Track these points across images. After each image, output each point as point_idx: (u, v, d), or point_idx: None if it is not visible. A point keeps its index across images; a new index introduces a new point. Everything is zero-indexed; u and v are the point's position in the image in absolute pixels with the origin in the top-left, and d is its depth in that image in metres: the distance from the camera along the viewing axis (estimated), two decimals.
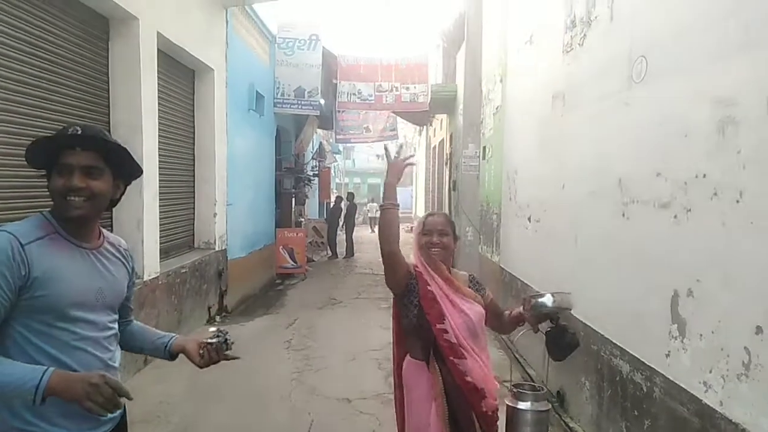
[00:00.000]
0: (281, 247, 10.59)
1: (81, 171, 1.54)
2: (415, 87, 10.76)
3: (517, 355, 5.54)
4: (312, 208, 17.78)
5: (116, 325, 1.74)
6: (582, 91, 3.98)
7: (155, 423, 3.85)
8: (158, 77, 5.39)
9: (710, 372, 2.35)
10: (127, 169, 1.68)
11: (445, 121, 13.73)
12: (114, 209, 4.97)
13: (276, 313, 7.68)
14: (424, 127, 18.82)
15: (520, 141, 5.94)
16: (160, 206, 5.46)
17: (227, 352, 1.78)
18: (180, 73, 6.50)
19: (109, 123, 4.87)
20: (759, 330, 2.05)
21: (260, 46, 9.53)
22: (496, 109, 7.11)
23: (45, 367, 1.43)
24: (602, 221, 3.54)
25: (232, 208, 7.73)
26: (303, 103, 10.51)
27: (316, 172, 15.65)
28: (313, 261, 13.27)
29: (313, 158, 15.67)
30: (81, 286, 1.59)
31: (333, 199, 18.63)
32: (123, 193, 1.71)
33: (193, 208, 7.00)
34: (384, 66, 10.87)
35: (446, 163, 13.63)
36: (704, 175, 2.41)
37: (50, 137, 1.58)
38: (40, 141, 1.58)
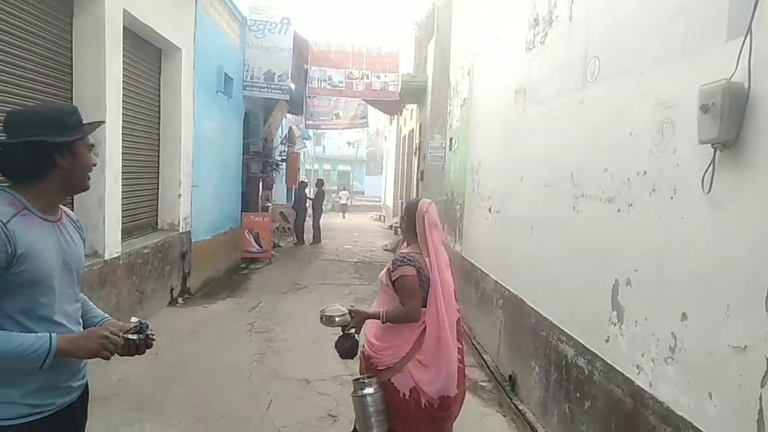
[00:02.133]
0: (247, 231, 10.55)
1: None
2: (386, 76, 10.83)
3: (474, 342, 5.73)
4: (280, 194, 17.69)
5: (79, 300, 1.80)
6: (542, 88, 4.13)
7: (113, 400, 3.87)
8: (123, 55, 5.32)
9: (642, 356, 2.53)
10: None
11: (416, 111, 13.84)
12: None
13: (240, 297, 7.70)
14: (395, 116, 18.88)
15: (485, 133, 6.09)
16: (123, 185, 5.41)
17: (145, 347, 1.74)
18: (146, 52, 6.40)
19: (71, 99, 4.79)
20: (684, 317, 2.23)
21: (230, 27, 9.41)
22: (464, 101, 7.24)
23: (49, 333, 1.55)
24: (555, 213, 3.71)
25: (198, 190, 7.67)
26: (273, 86, 10.45)
27: (284, 157, 15.57)
28: (279, 246, 13.25)
29: (281, 143, 15.57)
30: (55, 259, 1.64)
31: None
32: None
33: (157, 189, 6.94)
34: (355, 53, 10.88)
35: (415, 153, 13.77)
36: (645, 172, 2.58)
37: (69, 107, 1.79)
38: (61, 110, 1.74)
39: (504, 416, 4.07)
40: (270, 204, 13.65)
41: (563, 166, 3.59)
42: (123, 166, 5.38)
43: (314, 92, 11.46)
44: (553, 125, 3.85)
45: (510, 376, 4.55)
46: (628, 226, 2.74)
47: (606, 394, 2.88)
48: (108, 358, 1.62)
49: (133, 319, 1.74)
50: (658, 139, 2.47)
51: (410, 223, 2.82)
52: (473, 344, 5.67)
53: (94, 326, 1.83)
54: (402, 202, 17.28)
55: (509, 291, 4.72)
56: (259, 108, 12.33)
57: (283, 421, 3.77)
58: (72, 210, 5.08)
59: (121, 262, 5.30)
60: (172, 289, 6.92)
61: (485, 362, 5.14)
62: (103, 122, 1.98)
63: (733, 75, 1.94)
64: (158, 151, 6.88)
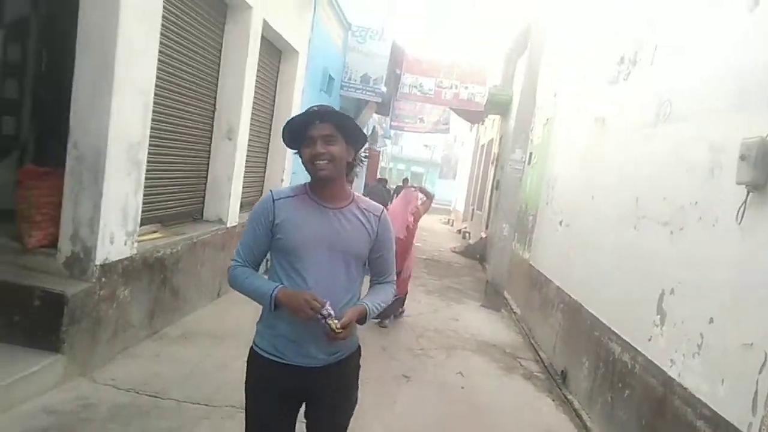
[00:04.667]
0: None
1: (321, 140, 1.89)
2: (473, 87, 11.43)
3: (532, 341, 6.30)
4: (358, 188, 18.67)
5: (349, 279, 1.98)
6: (619, 119, 4.66)
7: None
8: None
9: (675, 352, 3.08)
10: (354, 136, 1.98)
11: (497, 122, 14.32)
12: (210, 166, 5.93)
13: None
14: (476, 125, 19.36)
15: (563, 153, 6.62)
16: (244, 168, 6.41)
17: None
18: (271, 54, 7.39)
19: (217, 93, 5.79)
20: (711, 320, 2.78)
21: (337, 32, 10.36)
22: (547, 120, 7.76)
23: (277, 284, 1.91)
24: (618, 231, 4.25)
25: (296, 176, 8.64)
26: (367, 89, 11.33)
27: (368, 154, 16.47)
28: None
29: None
30: (310, 234, 1.92)
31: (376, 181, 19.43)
32: (355, 157, 2.03)
33: (265, 172, 7.95)
34: (447, 64, 11.56)
35: (492, 162, 14.25)
36: (696, 203, 3.12)
37: (296, 117, 1.96)
38: (288, 122, 1.97)
39: (553, 401, 4.65)
40: None
41: (630, 190, 4.13)
42: (247, 152, 6.38)
43: (404, 97, 12.24)
44: (626, 154, 4.39)
45: (562, 370, 5.10)
46: (677, 246, 3.28)
47: (643, 384, 3.43)
48: (306, 319, 1.80)
49: (327, 305, 1.84)
50: (708, 177, 3.02)
51: None
52: (532, 343, 6.24)
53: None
54: (473, 209, 17.77)
55: (569, 296, 5.27)
56: (351, 106, 13.27)
57: (364, 377, 4.53)
58: (206, 184, 6.02)
59: (237, 230, 6.29)
60: None
61: (541, 358, 5.70)
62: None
63: None
64: (269, 141, 7.89)
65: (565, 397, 4.70)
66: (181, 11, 4.72)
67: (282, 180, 8.05)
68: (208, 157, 5.87)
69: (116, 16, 3.43)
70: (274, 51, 7.53)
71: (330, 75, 9.84)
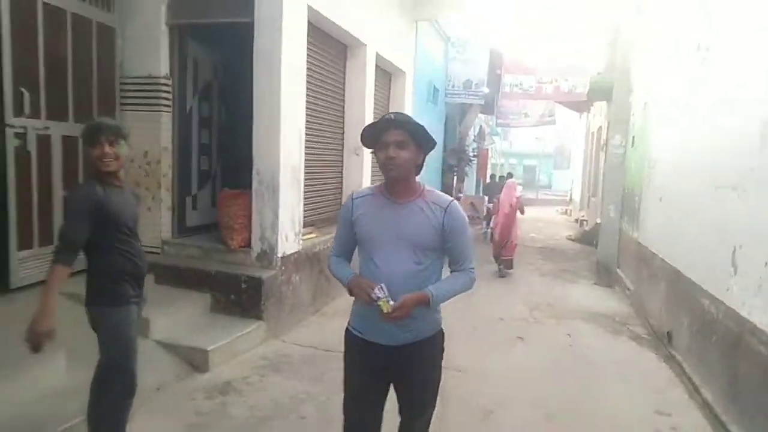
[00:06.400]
0: None
1: (394, 145, 2.08)
2: (574, 78, 11.82)
3: (641, 311, 6.78)
4: (469, 185, 19.46)
5: (416, 266, 2.14)
6: (705, 103, 5.14)
7: None
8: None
9: (745, 295, 3.66)
10: (425, 142, 2.17)
11: (604, 109, 14.38)
12: (344, 177, 7.22)
13: None
14: (584, 112, 19.27)
15: (659, 135, 7.02)
16: (370, 176, 7.64)
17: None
18: (382, 77, 8.60)
19: (344, 111, 7.05)
20: (765, 265, 3.37)
21: (437, 46, 11.38)
22: (644, 104, 8.11)
23: (352, 272, 2.22)
24: (707, 203, 4.77)
25: None
26: (470, 93, 12.21)
27: (476, 153, 17.25)
28: None
29: (474, 140, 17.30)
30: (379, 227, 2.16)
31: (488, 178, 20.08)
32: (423, 161, 2.21)
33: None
34: (546, 60, 12.07)
35: (602, 149, 14.33)
36: (753, 169, 3.69)
37: (374, 123, 2.18)
38: (367, 126, 2.20)
39: (656, 355, 5.23)
40: (461, 195, 15.49)
41: (717, 166, 4.63)
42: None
43: (506, 97, 12.94)
44: (712, 134, 4.88)
45: (668, 332, 5.61)
46: (743, 206, 3.84)
47: (723, 327, 4.00)
48: (365, 302, 2.08)
49: (377, 288, 2.06)
50: (761, 146, 3.58)
51: None
52: (641, 312, 6.73)
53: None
54: (589, 196, 17.73)
55: (670, 265, 5.76)
56: (456, 110, 14.21)
57: (484, 338, 5.46)
58: (341, 191, 7.37)
59: None
60: None
61: (650, 324, 6.21)
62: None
63: None
64: None
65: (669, 353, 5.24)
66: (316, 60, 6.02)
67: None
68: (341, 170, 7.17)
69: (279, 81, 4.77)
70: (385, 74, 8.72)
71: (434, 86, 10.88)
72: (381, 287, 2.04)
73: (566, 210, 24.87)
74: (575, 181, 24.24)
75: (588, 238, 13.69)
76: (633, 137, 8.74)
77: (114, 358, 2.63)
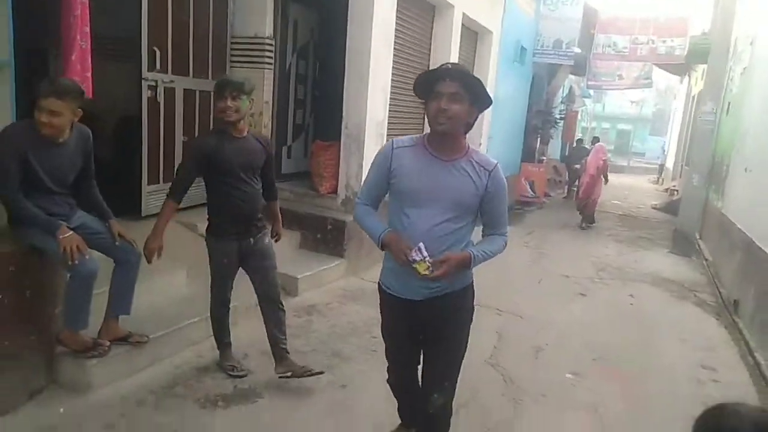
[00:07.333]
0: (524, 178, 12.55)
1: (448, 97, 1.97)
2: (672, 41, 11.25)
3: (715, 280, 6.77)
4: (554, 149, 19.04)
5: (453, 225, 2.09)
6: None
7: None
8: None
9: None
10: (481, 98, 2.07)
11: (706, 72, 13.54)
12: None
13: (516, 225, 9.83)
14: (685, 75, 18.12)
15: (754, 103, 6.77)
16: None
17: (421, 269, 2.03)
18: (469, 37, 8.75)
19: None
20: None
21: (528, 4, 11.19)
22: (744, 69, 7.75)
23: (386, 227, 2.14)
24: None
25: (492, 140, 9.95)
26: (560, 53, 11.90)
27: (563, 116, 16.81)
28: (550, 196, 14.89)
29: (561, 102, 16.83)
30: (419, 183, 2.07)
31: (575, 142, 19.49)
32: (476, 119, 2.12)
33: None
34: (642, 20, 11.54)
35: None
36: None
37: (429, 71, 2.12)
38: (421, 74, 2.13)
39: (717, 320, 5.35)
40: (544, 158, 15.32)
41: None
42: None
43: (598, 57, 12.52)
44: None
45: (735, 300, 5.67)
46: None
47: None
48: (401, 264, 2.05)
49: (415, 250, 2.01)
50: None
51: None
52: (715, 282, 6.73)
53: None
54: (682, 165, 16.87)
55: (745, 234, 5.75)
56: (544, 71, 13.90)
57: (547, 292, 5.78)
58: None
59: None
60: None
61: (720, 293, 6.23)
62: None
63: None
64: None
65: (732, 320, 5.33)
66: (404, 21, 6.37)
67: (480, 144, 9.44)
68: (422, 130, 7.55)
69: (369, 41, 5.22)
70: (472, 34, 8.86)
71: (522, 46, 10.79)
72: (419, 249, 1.99)
73: (658, 179, 23.71)
74: (671, 148, 22.96)
75: (674, 208, 13.19)
76: (729, 104, 8.38)
77: (212, 278, 3.30)
